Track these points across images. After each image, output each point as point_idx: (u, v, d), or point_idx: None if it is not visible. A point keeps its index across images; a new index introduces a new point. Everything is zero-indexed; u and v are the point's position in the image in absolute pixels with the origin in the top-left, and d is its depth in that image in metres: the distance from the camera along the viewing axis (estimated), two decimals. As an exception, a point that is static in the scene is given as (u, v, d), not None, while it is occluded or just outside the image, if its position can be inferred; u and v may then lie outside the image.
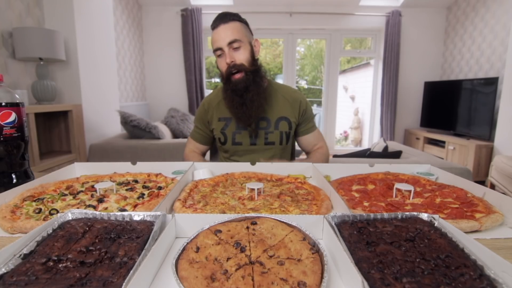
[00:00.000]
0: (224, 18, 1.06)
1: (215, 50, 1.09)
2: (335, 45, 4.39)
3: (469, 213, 0.62)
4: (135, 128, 2.57)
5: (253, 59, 1.10)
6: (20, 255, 0.42)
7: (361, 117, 5.44)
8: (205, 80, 4.28)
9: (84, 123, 2.46)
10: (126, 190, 0.77)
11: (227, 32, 1.05)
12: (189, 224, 0.55)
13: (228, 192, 0.77)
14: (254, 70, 1.09)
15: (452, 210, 0.63)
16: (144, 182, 0.84)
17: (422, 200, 0.70)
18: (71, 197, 0.73)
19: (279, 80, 4.60)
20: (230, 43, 1.05)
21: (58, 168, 0.91)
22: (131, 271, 0.38)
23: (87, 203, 0.68)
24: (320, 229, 0.55)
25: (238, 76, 1.07)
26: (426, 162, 1.07)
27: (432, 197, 0.72)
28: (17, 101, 0.81)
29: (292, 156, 1.31)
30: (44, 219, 0.61)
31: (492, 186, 2.74)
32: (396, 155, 2.14)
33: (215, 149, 1.36)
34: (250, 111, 1.09)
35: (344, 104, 5.02)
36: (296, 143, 1.33)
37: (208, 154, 1.39)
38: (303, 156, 2.49)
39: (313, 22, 4.20)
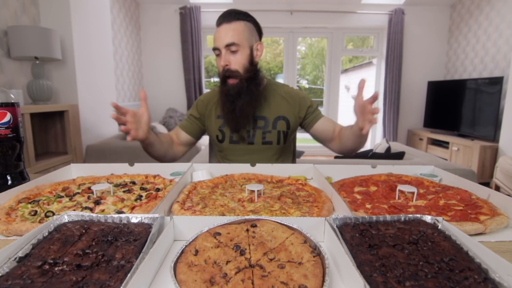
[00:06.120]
0: (228, 17, 1.04)
1: (213, 49, 1.08)
2: (336, 44, 4.38)
3: (473, 215, 0.61)
4: (133, 128, 2.55)
5: (250, 64, 1.07)
6: (15, 258, 0.41)
7: (363, 118, 5.41)
8: (204, 80, 4.27)
9: (80, 123, 2.44)
10: (124, 192, 0.77)
11: (227, 33, 1.03)
12: (187, 226, 0.55)
13: (228, 194, 0.76)
14: (249, 77, 1.07)
15: (456, 212, 0.63)
16: (142, 184, 0.83)
17: (426, 202, 0.70)
18: (67, 199, 0.72)
19: (280, 80, 4.59)
20: (228, 46, 1.03)
21: (54, 170, 0.90)
22: (129, 275, 0.37)
23: (84, 205, 0.67)
24: (322, 232, 0.54)
25: (232, 81, 1.06)
26: (429, 163, 1.07)
27: (436, 199, 0.71)
28: (12, 101, 0.80)
29: (293, 157, 1.31)
30: (39, 222, 0.60)
31: (497, 188, 2.74)
32: (399, 156, 2.14)
33: (213, 152, 1.34)
34: (238, 119, 1.08)
35: (346, 104, 5.00)
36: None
37: (207, 154, 1.38)
38: (304, 156, 2.49)
39: (314, 20, 4.19)
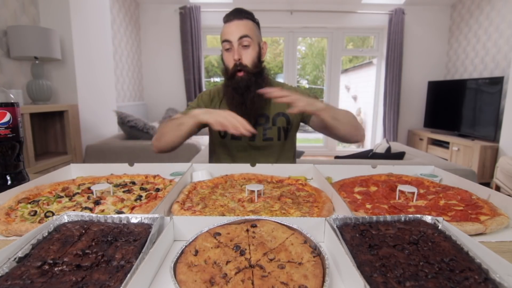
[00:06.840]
0: (239, 14, 1.07)
1: (223, 42, 1.08)
2: (336, 43, 4.37)
3: (473, 215, 0.61)
4: (133, 129, 2.56)
5: (258, 61, 1.11)
6: (15, 258, 0.41)
7: (363, 118, 5.40)
8: (204, 80, 4.26)
9: (80, 123, 2.44)
10: (123, 192, 0.76)
11: (239, 27, 1.05)
12: (187, 226, 0.55)
13: (228, 194, 0.76)
14: (257, 72, 1.09)
15: (456, 212, 0.63)
16: (142, 184, 0.83)
17: (426, 202, 0.70)
18: (67, 199, 0.72)
19: (280, 80, 4.58)
20: (241, 38, 1.05)
21: (54, 170, 0.90)
22: (128, 275, 0.37)
23: (84, 205, 0.67)
24: (322, 232, 0.54)
25: (241, 74, 1.07)
26: (429, 164, 1.07)
27: (436, 199, 0.71)
28: (12, 101, 0.80)
29: (293, 157, 1.31)
30: (39, 222, 0.60)
31: (497, 188, 2.73)
32: (399, 156, 2.13)
33: (213, 148, 1.34)
34: (249, 111, 1.09)
35: (346, 104, 4.99)
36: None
37: (207, 154, 1.38)
38: (304, 157, 2.49)
39: (315, 20, 4.19)
